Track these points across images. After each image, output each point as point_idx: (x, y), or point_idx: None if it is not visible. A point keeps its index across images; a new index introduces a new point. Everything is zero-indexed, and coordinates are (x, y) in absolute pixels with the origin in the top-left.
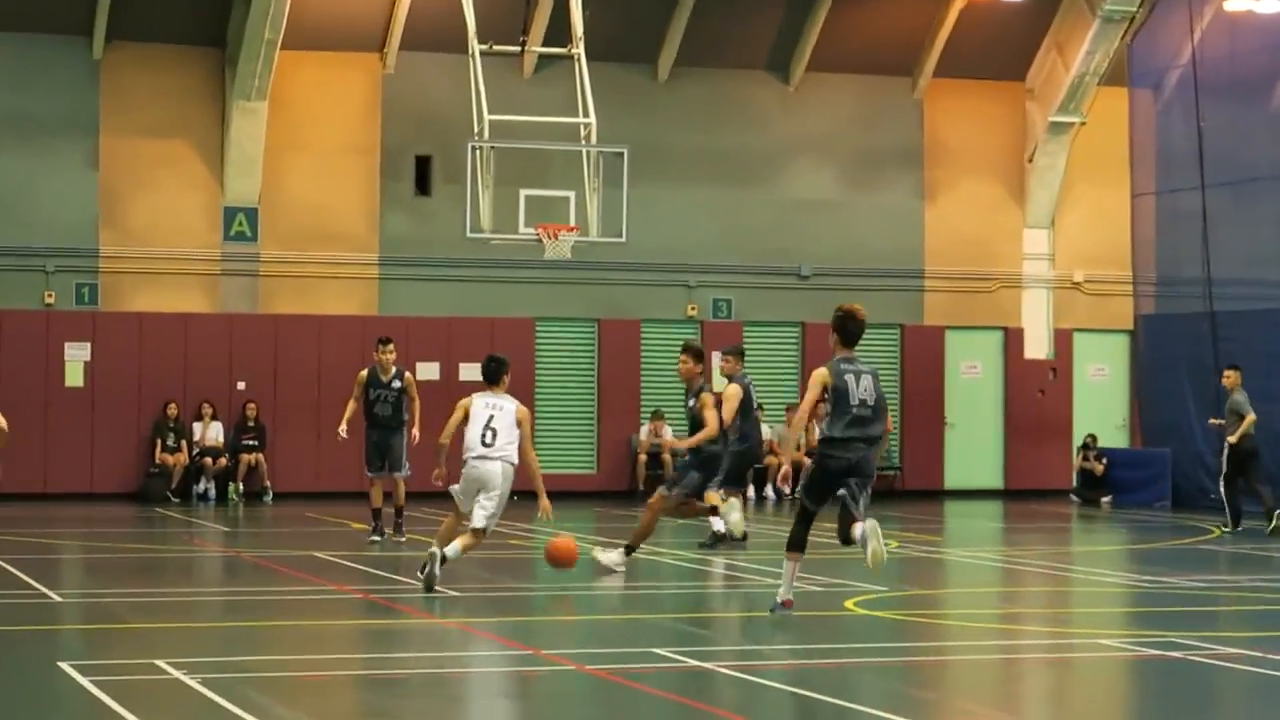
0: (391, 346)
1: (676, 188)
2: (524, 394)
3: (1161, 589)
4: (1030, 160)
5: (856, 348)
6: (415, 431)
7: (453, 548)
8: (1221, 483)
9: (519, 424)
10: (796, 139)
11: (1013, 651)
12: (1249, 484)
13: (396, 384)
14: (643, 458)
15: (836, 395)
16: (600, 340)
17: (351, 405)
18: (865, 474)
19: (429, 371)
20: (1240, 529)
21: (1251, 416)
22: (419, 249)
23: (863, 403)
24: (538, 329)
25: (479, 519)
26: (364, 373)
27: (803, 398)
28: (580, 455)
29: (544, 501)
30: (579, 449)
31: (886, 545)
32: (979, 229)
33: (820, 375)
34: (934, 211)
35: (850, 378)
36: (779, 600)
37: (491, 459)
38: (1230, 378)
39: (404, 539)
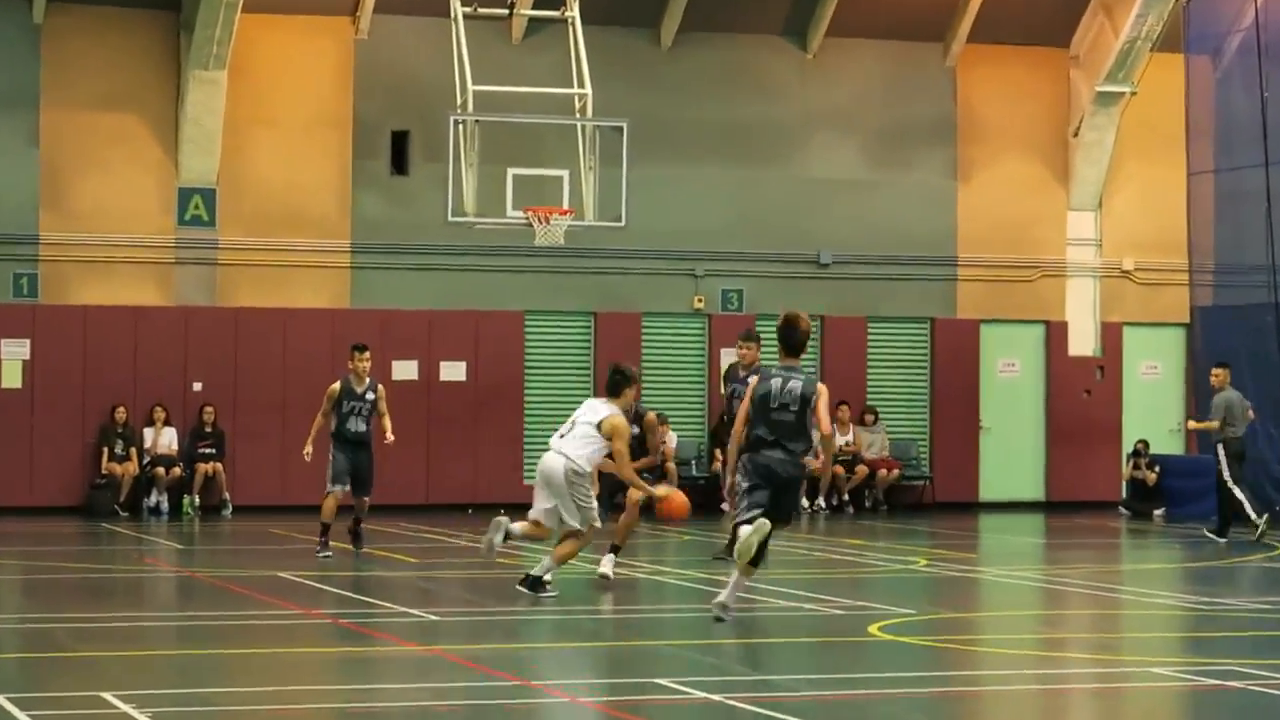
0: (368, 354)
1: (682, 166)
2: (512, 395)
3: (1221, 611)
4: (1075, 135)
5: (801, 358)
6: (391, 435)
7: (519, 525)
8: (1235, 486)
9: (599, 430)
10: (815, 112)
11: (1054, 681)
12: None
13: (371, 395)
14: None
15: (760, 399)
16: (597, 336)
17: (319, 421)
18: (782, 480)
19: (406, 371)
20: (1227, 540)
21: (1217, 423)
22: (396, 234)
23: (783, 406)
24: (527, 323)
25: (533, 511)
26: (335, 385)
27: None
28: None
29: (659, 491)
30: None
31: (914, 563)
32: (1018, 212)
33: (751, 385)
34: (968, 192)
35: (777, 381)
36: (716, 602)
37: (556, 453)
38: (1219, 376)
39: (364, 549)
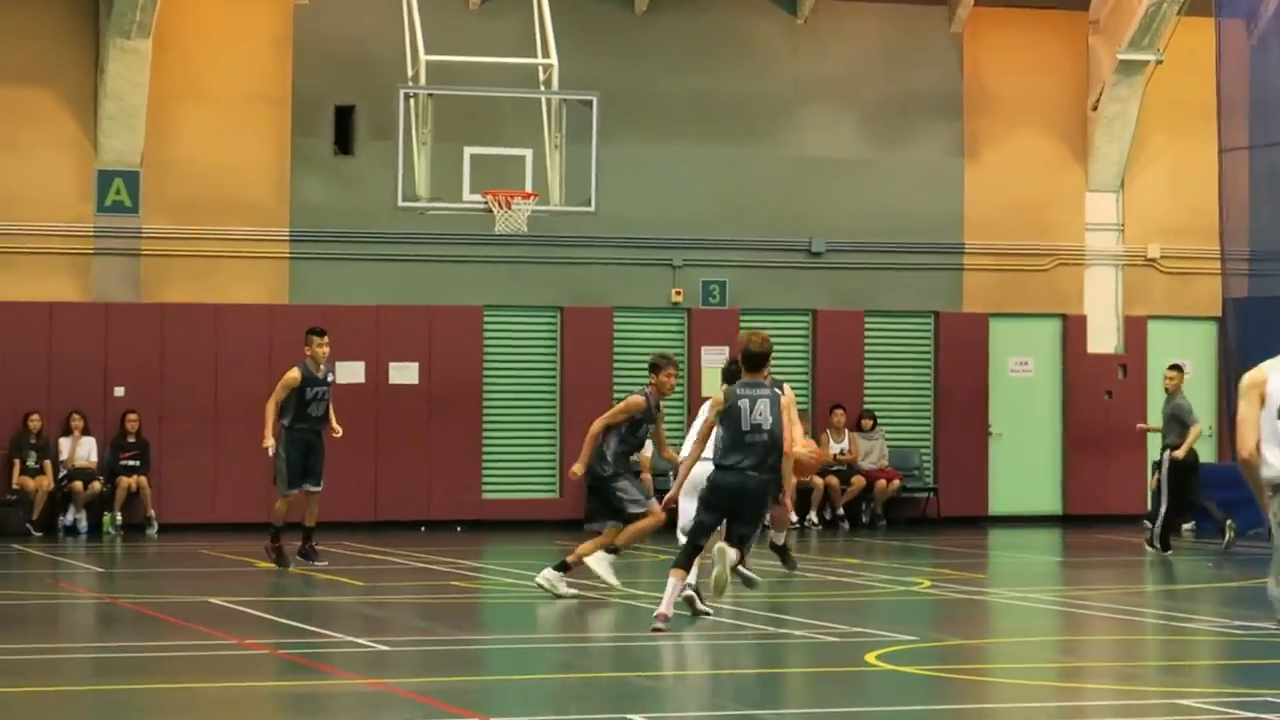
0: (326, 338)
1: (658, 145)
2: (470, 397)
3: (1256, 636)
4: (1095, 108)
5: (767, 371)
6: (338, 426)
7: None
8: (1163, 499)
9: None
10: (806, 84)
11: (1071, 715)
12: (1193, 499)
13: (330, 378)
14: None
15: (730, 417)
16: (564, 333)
17: (272, 409)
18: (750, 501)
19: (352, 373)
20: (1171, 551)
21: (1198, 428)
22: (340, 221)
23: (756, 427)
24: (486, 319)
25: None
26: (294, 372)
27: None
28: (539, 476)
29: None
30: (537, 468)
31: (916, 584)
32: (1031, 193)
33: (715, 399)
34: (976, 172)
35: (745, 402)
36: (655, 614)
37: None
38: (1171, 379)
39: (324, 562)
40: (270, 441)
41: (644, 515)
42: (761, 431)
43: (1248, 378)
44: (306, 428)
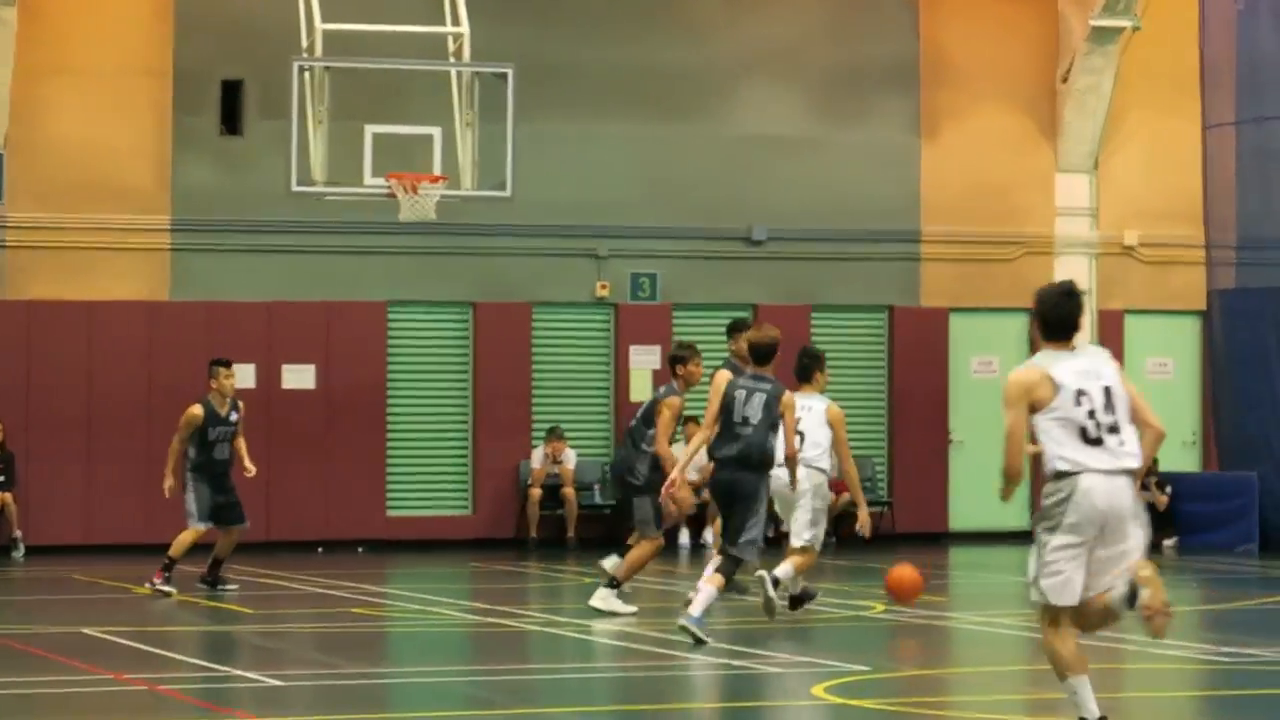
0: (231, 369)
1: (582, 122)
2: (373, 403)
3: (1247, 664)
4: (1065, 80)
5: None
6: (250, 465)
7: (783, 568)
8: None
9: (830, 425)
10: (747, 55)
11: None
12: None
13: (235, 416)
14: (536, 493)
15: (724, 407)
16: (477, 332)
17: (176, 448)
18: (742, 498)
19: (241, 377)
20: None
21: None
22: (227, 208)
23: (745, 420)
24: (391, 317)
25: (796, 537)
26: (196, 409)
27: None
28: (450, 490)
29: (863, 515)
30: (448, 482)
31: (868, 608)
32: (995, 175)
33: (718, 382)
34: (934, 152)
35: (741, 393)
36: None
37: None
38: None
39: (235, 587)
40: (170, 482)
41: (652, 539)
42: (749, 425)
43: (1014, 384)
44: (213, 469)
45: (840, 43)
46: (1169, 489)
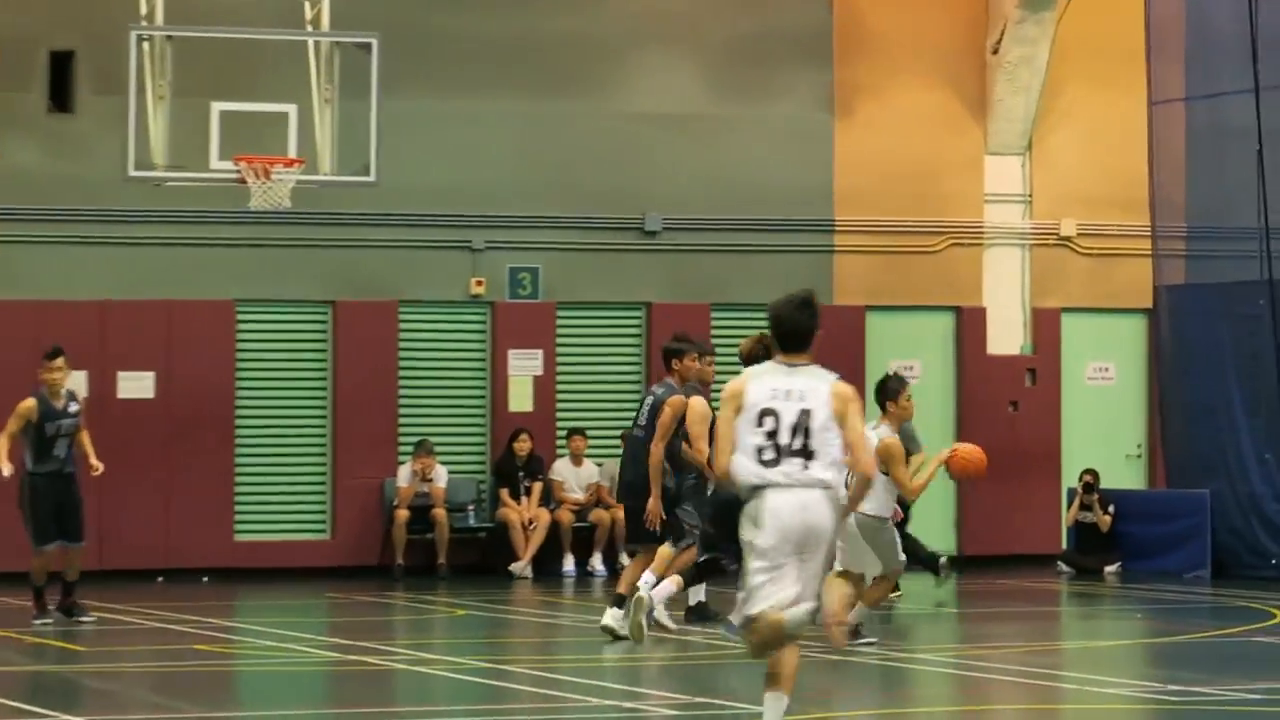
0: (61, 360)
1: (454, 99)
2: (220, 415)
3: (1194, 703)
4: (995, 52)
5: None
6: (97, 462)
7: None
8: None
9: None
10: (640, 23)
11: None
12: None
13: (74, 408)
14: (403, 514)
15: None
16: (336, 334)
17: (5, 442)
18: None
19: (72, 385)
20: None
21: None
22: (55, 195)
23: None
24: (240, 317)
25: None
26: (30, 403)
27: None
28: (305, 512)
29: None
30: (304, 502)
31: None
32: (917, 157)
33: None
34: (849, 131)
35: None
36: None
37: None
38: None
39: (92, 618)
40: (5, 465)
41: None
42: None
43: (727, 388)
44: (54, 470)
45: (744, 10)
46: (1112, 508)
